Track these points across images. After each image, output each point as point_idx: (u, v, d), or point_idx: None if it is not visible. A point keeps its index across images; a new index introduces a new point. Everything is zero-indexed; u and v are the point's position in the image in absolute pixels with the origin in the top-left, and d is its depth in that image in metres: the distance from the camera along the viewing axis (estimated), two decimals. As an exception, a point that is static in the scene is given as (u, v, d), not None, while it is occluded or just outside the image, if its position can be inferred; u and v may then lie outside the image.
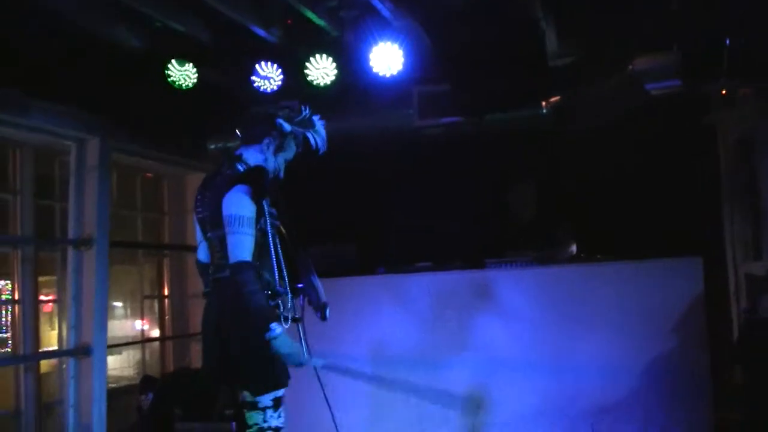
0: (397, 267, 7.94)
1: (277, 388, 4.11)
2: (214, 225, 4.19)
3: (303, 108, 4.40)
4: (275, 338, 3.92)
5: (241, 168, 4.25)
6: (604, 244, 7.65)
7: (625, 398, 7.00)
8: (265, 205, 4.15)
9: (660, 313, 6.95)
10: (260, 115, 4.43)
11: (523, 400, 7.23)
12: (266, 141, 4.30)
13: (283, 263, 4.28)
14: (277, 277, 4.19)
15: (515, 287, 7.42)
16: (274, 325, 3.93)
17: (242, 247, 4.00)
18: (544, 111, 7.38)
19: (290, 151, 4.36)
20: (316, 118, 4.41)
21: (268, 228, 4.16)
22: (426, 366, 7.51)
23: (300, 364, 4.08)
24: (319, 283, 4.39)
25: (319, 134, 4.38)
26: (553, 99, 7.39)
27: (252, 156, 4.31)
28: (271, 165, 4.30)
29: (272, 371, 4.08)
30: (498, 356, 7.32)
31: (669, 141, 7.63)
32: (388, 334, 7.64)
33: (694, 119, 7.46)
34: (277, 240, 4.22)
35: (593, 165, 7.93)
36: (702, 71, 6.61)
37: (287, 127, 4.29)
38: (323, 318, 4.40)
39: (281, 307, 4.16)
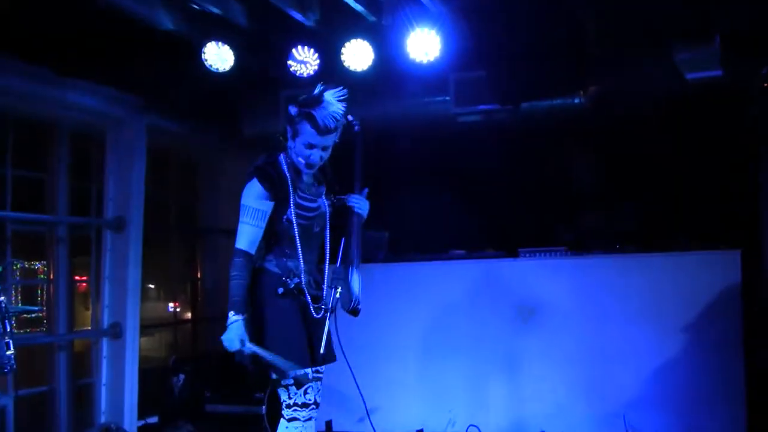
0: (431, 254, 7.94)
1: (292, 367, 4.15)
2: None
3: (318, 86, 4.26)
4: (228, 324, 4.08)
5: (271, 159, 4.32)
6: (641, 235, 7.59)
7: (659, 390, 6.98)
8: (291, 196, 4.21)
9: (696, 305, 6.90)
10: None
11: (555, 389, 7.22)
12: (287, 129, 4.29)
13: (312, 253, 4.37)
14: (302, 266, 4.25)
15: (549, 277, 7.40)
16: (230, 312, 4.09)
17: (240, 235, 4.20)
18: (582, 99, 7.30)
19: (308, 134, 4.17)
20: (330, 92, 4.20)
21: (293, 218, 4.22)
22: (458, 354, 7.52)
23: (236, 353, 4.16)
24: (356, 278, 4.34)
25: (325, 110, 4.14)
26: (590, 87, 7.31)
27: (289, 146, 4.32)
28: (293, 153, 4.27)
29: (286, 353, 4.15)
30: (531, 346, 7.31)
31: (708, 131, 7.53)
32: (419, 320, 7.65)
33: (734, 109, 7.34)
34: (302, 230, 4.26)
35: (631, 155, 7.85)
36: (745, 61, 6.52)
37: (291, 110, 4.23)
38: (353, 314, 4.40)
39: (308, 297, 4.23)
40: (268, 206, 4.20)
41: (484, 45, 7.02)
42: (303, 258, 4.28)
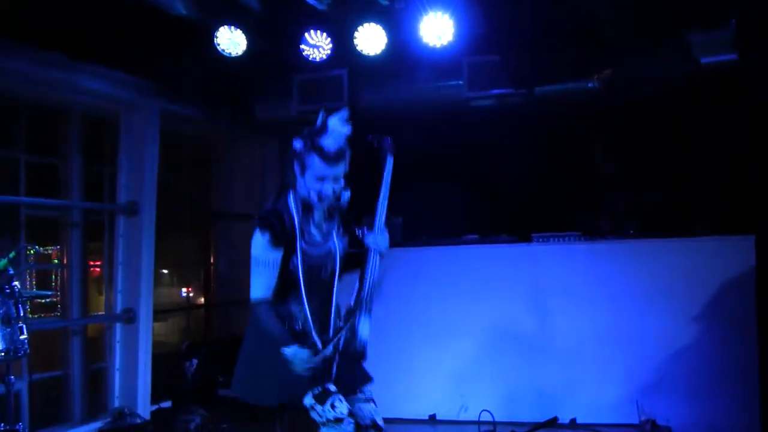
0: (444, 239, 7.93)
1: (300, 394, 4.09)
2: None
3: (320, 114, 4.12)
4: (289, 358, 4.02)
5: (278, 203, 4.20)
6: (655, 221, 7.56)
7: (672, 376, 6.96)
8: (298, 243, 4.10)
9: (710, 291, 6.89)
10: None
11: (569, 375, 7.21)
12: (295, 165, 4.14)
13: (319, 296, 4.24)
14: (307, 311, 4.17)
15: (562, 262, 7.38)
16: (285, 348, 4.02)
17: (255, 286, 4.11)
18: (595, 84, 7.25)
19: (317, 167, 4.04)
20: (334, 118, 4.07)
21: (299, 263, 4.12)
22: (470, 340, 7.52)
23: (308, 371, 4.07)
24: (364, 322, 4.18)
25: (331, 136, 4.02)
26: (604, 72, 7.26)
27: (299, 183, 4.18)
28: (303, 189, 4.12)
29: (284, 381, 4.10)
30: (544, 331, 7.30)
31: (722, 117, 7.47)
32: (432, 306, 7.65)
33: (748, 94, 7.29)
34: (308, 277, 4.15)
35: (645, 140, 7.81)
36: (759, 44, 6.46)
37: (296, 145, 4.09)
38: (358, 359, 4.27)
39: (314, 338, 4.15)
40: (276, 255, 4.08)
41: (497, 28, 6.98)
42: (308, 301, 4.17)
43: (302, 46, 6.93)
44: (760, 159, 7.17)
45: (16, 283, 5.30)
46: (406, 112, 7.65)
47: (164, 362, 8.01)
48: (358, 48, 6.81)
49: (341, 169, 4.09)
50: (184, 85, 7.49)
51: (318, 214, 4.21)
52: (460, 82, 7.41)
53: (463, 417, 7.47)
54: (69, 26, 6.17)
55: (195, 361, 8.02)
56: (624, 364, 7.12)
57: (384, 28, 6.74)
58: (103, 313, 7.70)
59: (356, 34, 6.78)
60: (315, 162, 4.03)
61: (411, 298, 7.59)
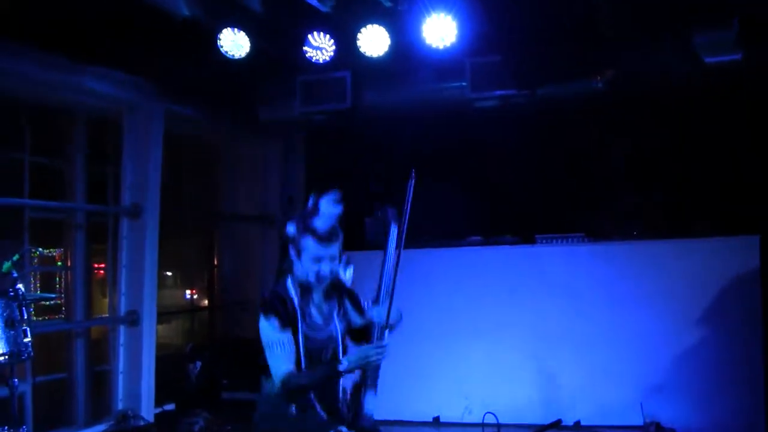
0: (447, 241, 7.92)
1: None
2: None
3: (310, 198, 4.15)
4: (348, 368, 4.05)
5: (279, 288, 4.22)
6: (660, 221, 7.55)
7: (676, 378, 6.95)
8: (300, 326, 4.11)
9: (715, 291, 6.88)
10: None
11: (573, 377, 7.20)
12: (290, 249, 4.19)
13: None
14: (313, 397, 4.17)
15: (566, 264, 7.37)
16: (340, 366, 4.05)
17: (274, 366, 4.07)
18: (599, 84, 7.24)
19: (312, 248, 4.08)
20: (324, 200, 4.10)
21: (301, 347, 4.11)
22: (474, 342, 7.51)
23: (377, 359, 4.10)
24: (370, 398, 4.18)
25: (323, 217, 4.07)
26: (608, 72, 7.25)
27: (295, 267, 4.22)
28: (301, 272, 4.15)
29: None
30: (549, 333, 7.29)
31: (727, 116, 7.46)
32: (435, 307, 7.64)
33: (750, 93, 7.27)
34: (309, 359, 4.11)
35: (648, 140, 7.80)
36: (761, 44, 6.44)
37: (290, 230, 4.13)
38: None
39: (320, 412, 4.14)
40: (288, 335, 4.08)
41: (500, 29, 6.96)
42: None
43: (305, 48, 6.92)
44: (761, 159, 7.16)
45: (20, 285, 5.30)
46: (409, 113, 7.65)
47: (168, 364, 8.01)
48: (361, 50, 6.80)
49: (335, 248, 4.12)
50: (187, 87, 7.50)
51: (317, 296, 4.22)
52: (464, 84, 7.41)
53: (467, 419, 7.47)
54: (70, 27, 6.16)
55: (199, 364, 8.03)
56: (628, 366, 7.11)
57: (387, 30, 6.72)
58: (107, 315, 7.70)
59: (359, 35, 6.76)
60: (309, 244, 4.07)
61: (414, 300, 7.52)
